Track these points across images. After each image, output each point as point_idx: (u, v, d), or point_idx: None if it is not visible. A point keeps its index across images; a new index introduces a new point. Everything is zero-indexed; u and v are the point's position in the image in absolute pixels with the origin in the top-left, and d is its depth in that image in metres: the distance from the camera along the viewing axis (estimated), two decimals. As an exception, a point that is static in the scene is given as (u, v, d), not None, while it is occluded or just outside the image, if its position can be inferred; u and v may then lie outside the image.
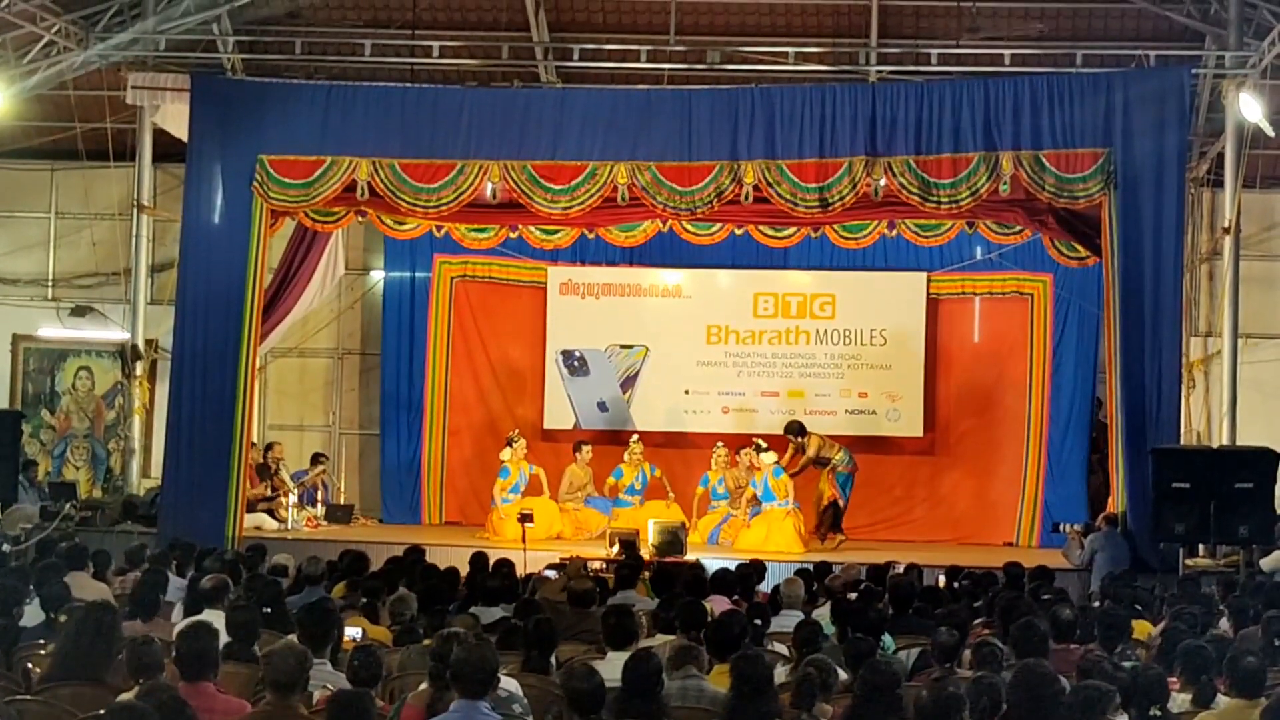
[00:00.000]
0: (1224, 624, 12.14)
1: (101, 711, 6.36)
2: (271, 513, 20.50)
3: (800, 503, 20.03)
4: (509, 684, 8.30)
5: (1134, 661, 9.46)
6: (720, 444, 21.08)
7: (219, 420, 18.82)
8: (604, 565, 16.19)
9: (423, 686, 8.33)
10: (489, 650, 7.77)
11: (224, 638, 9.42)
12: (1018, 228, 20.34)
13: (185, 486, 18.94)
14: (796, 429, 20.57)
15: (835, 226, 20.61)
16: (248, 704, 8.08)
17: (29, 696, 8.64)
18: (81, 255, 23.57)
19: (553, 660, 9.65)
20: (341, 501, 22.12)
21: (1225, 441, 18.91)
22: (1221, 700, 8.58)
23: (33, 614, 11.04)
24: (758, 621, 11.23)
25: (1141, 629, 11.89)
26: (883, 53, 20.76)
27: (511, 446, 20.87)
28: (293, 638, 8.49)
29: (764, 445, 20.17)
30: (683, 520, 19.70)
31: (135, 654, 8.06)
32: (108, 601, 10.12)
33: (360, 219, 21.14)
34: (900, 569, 15.21)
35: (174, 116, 20.16)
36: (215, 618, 9.79)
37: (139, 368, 21.40)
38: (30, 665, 9.49)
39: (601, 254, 22.75)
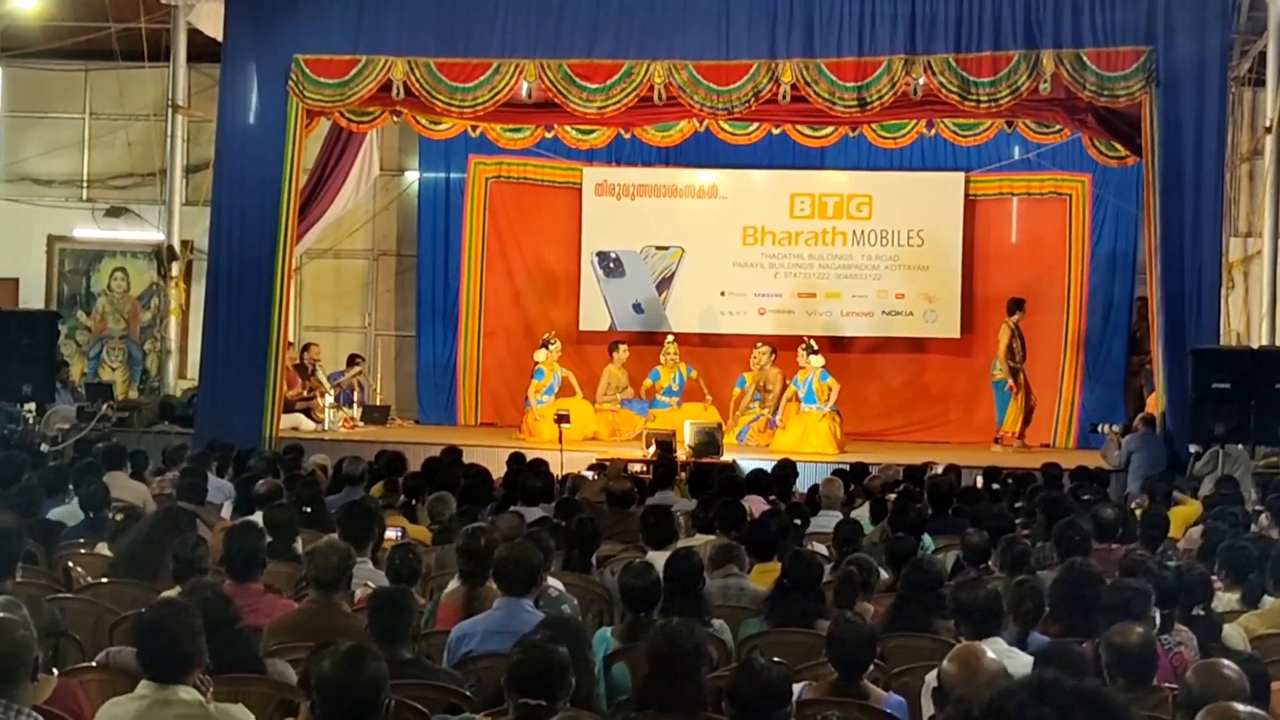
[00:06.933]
0: (1264, 520, 12.13)
1: (143, 608, 6.35)
2: (308, 413, 20.50)
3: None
4: (556, 584, 8.30)
5: (1177, 561, 9.42)
6: (760, 344, 21.01)
7: (255, 321, 18.75)
8: (644, 467, 16.19)
9: (454, 585, 8.32)
10: (531, 549, 7.76)
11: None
12: (1057, 127, 20.18)
13: (222, 387, 18.94)
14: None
15: (873, 126, 20.43)
16: (294, 603, 8.10)
17: (71, 594, 8.69)
18: (116, 156, 23.51)
19: (593, 560, 9.67)
20: (378, 402, 22.19)
21: (1265, 342, 18.77)
22: (1267, 600, 8.56)
23: (71, 514, 11.09)
24: (797, 521, 11.24)
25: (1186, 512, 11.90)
26: (922, -52, 20.44)
27: (547, 348, 20.82)
28: (334, 536, 8.48)
29: (814, 346, 20.15)
30: (719, 421, 19.61)
31: (180, 554, 8.07)
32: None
33: (395, 119, 21.03)
34: (939, 470, 15.21)
35: (209, 16, 20.01)
36: (255, 518, 9.85)
37: (174, 269, 21.32)
38: (71, 564, 9.54)
39: (637, 154, 22.58)
